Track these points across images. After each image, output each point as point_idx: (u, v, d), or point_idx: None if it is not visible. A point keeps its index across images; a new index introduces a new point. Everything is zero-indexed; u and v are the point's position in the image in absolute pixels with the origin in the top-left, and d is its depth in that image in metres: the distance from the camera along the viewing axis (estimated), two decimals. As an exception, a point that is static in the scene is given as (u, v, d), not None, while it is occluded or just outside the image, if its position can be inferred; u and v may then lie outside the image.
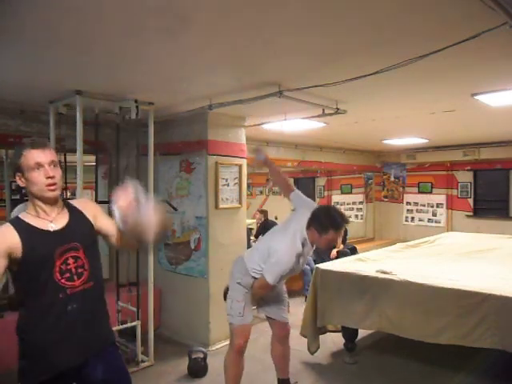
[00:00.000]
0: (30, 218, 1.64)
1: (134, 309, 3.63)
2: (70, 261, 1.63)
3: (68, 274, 1.62)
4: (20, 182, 1.63)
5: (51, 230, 1.64)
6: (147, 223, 1.52)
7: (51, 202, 1.65)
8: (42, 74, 2.74)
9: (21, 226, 1.60)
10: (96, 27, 1.98)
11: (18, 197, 6.14)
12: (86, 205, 1.81)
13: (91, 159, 3.86)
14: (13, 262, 1.56)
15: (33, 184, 1.60)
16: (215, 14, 1.86)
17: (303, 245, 2.57)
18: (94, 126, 3.36)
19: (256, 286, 2.66)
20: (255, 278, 2.68)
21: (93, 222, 1.75)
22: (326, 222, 2.49)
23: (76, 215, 1.73)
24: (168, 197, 4.26)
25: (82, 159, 3.21)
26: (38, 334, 1.61)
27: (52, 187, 1.61)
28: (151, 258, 3.65)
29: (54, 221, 1.65)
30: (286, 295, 2.98)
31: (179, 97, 3.46)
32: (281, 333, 2.91)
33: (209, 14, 1.87)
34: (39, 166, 1.59)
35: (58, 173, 1.64)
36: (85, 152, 3.26)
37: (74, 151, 3.26)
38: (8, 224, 1.61)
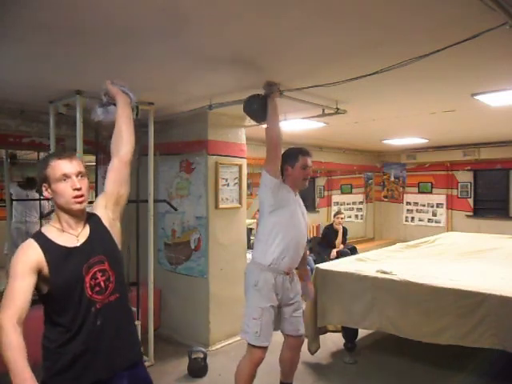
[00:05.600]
0: (54, 233, 1.59)
1: (134, 309, 3.62)
2: (98, 274, 1.59)
3: (98, 288, 1.58)
4: (46, 194, 1.58)
5: (77, 245, 1.58)
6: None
7: (78, 214, 1.60)
8: (42, 73, 2.74)
9: (46, 245, 1.54)
10: (96, 27, 1.98)
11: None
12: (96, 204, 1.76)
13: (91, 159, 3.86)
14: (41, 282, 1.51)
15: (59, 196, 1.55)
16: (215, 14, 1.86)
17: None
18: (94, 125, 3.36)
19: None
20: (272, 265, 2.58)
21: (107, 216, 1.70)
22: (292, 152, 2.76)
23: (94, 222, 1.68)
24: (168, 197, 4.26)
25: (81, 159, 3.20)
26: (70, 350, 1.54)
27: (79, 199, 1.56)
28: (151, 258, 3.65)
29: (79, 235, 1.60)
30: (301, 300, 2.84)
31: (179, 97, 3.46)
32: (294, 343, 2.82)
33: (209, 15, 1.86)
34: (66, 177, 1.54)
35: (85, 184, 1.59)
36: (85, 152, 3.25)
37: (74, 151, 3.26)
38: (32, 241, 1.55)
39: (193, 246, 4.09)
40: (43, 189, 1.58)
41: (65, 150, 1.61)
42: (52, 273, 1.50)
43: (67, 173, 1.54)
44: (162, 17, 1.86)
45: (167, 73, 2.79)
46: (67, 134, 3.73)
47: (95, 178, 3.79)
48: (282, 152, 2.73)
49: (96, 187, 3.74)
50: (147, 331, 3.63)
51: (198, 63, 2.57)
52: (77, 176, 1.56)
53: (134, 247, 3.68)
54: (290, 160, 2.72)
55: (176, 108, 3.83)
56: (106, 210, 1.72)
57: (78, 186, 1.55)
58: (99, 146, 3.53)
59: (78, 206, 1.57)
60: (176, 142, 4.23)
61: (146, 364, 3.59)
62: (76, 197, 1.55)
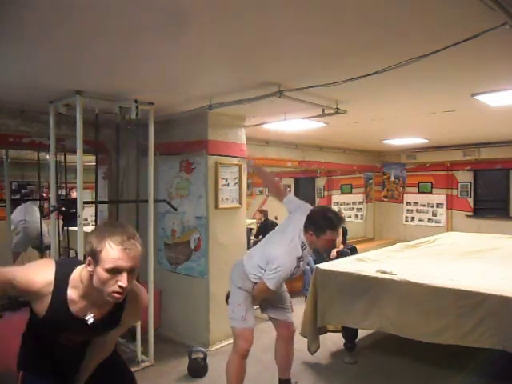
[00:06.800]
0: (74, 294, 1.47)
1: (134, 309, 3.63)
2: (78, 339, 1.63)
3: (72, 344, 1.62)
4: (87, 266, 1.41)
5: (82, 320, 1.49)
6: None
7: (105, 302, 1.48)
8: (42, 73, 2.74)
9: (58, 299, 1.45)
10: (96, 27, 1.97)
11: (17, 197, 6.16)
12: (134, 312, 1.66)
13: (91, 159, 3.86)
14: (30, 306, 1.53)
15: (99, 282, 1.39)
16: (215, 14, 1.86)
17: (302, 248, 2.60)
18: (94, 126, 3.36)
19: (256, 290, 2.66)
20: (255, 283, 2.67)
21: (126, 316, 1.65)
22: (323, 223, 2.54)
23: (114, 314, 1.58)
24: (168, 197, 4.26)
25: (81, 159, 3.20)
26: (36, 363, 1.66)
27: (117, 296, 1.40)
28: (151, 257, 3.65)
29: (90, 316, 1.50)
30: (288, 294, 2.96)
31: (179, 97, 3.46)
32: (285, 333, 2.90)
33: (209, 14, 1.86)
34: (117, 271, 1.37)
35: (132, 281, 1.44)
36: (85, 152, 3.25)
37: (74, 151, 3.26)
38: (52, 281, 1.44)
39: (193, 246, 4.09)
40: (88, 259, 1.40)
41: (127, 234, 1.40)
42: (45, 317, 1.48)
43: (120, 267, 1.36)
44: (162, 17, 1.86)
45: (167, 73, 2.79)
46: (67, 134, 3.73)
47: (95, 177, 3.79)
48: (313, 212, 2.63)
49: (96, 187, 3.73)
50: (147, 331, 3.63)
51: (198, 63, 2.57)
52: (129, 273, 1.39)
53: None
54: (317, 229, 2.54)
55: (176, 108, 3.83)
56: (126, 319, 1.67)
57: (125, 285, 1.37)
58: (99, 146, 3.53)
59: (111, 300, 1.43)
60: (176, 141, 4.23)
61: (146, 364, 3.61)
62: (116, 292, 1.39)
